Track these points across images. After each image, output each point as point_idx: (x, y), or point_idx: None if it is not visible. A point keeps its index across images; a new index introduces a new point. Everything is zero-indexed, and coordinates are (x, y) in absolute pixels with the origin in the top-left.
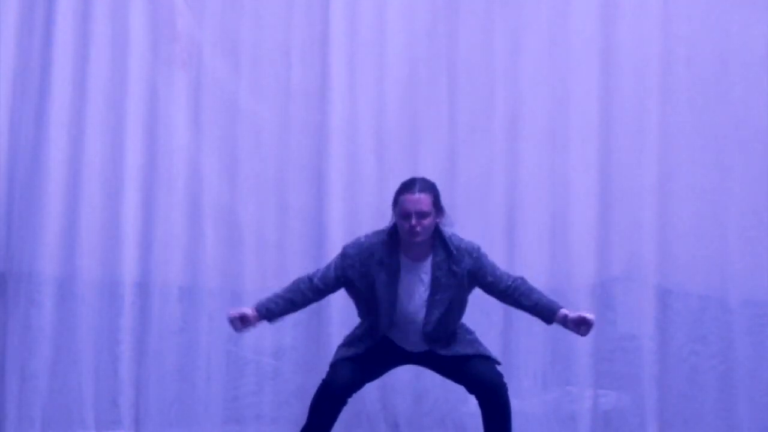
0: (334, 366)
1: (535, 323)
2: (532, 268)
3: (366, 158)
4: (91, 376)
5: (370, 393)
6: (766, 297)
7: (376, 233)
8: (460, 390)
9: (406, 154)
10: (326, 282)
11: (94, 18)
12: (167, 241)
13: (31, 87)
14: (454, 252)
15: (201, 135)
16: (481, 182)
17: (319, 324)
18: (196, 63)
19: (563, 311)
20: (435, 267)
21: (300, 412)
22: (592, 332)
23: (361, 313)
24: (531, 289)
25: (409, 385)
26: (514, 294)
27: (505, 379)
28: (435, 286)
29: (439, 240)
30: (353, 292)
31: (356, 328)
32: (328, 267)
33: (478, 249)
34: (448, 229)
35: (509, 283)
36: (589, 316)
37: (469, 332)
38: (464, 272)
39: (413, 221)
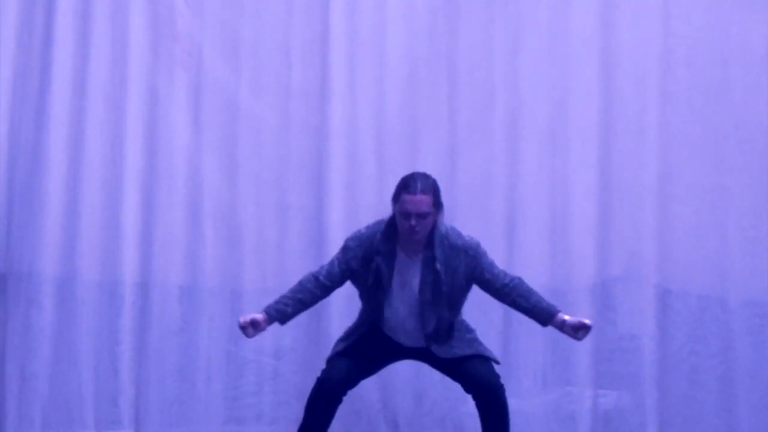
0: (329, 363)
1: (536, 323)
2: (532, 268)
3: (366, 158)
4: (91, 376)
5: (370, 393)
6: (766, 297)
7: (377, 223)
8: (459, 390)
9: (406, 154)
10: (332, 278)
11: (94, 18)
12: (167, 241)
13: (31, 87)
14: (449, 250)
15: (201, 135)
16: (481, 182)
17: (319, 324)
18: (196, 63)
19: (561, 315)
20: (429, 262)
21: (300, 412)
22: (592, 332)
23: (362, 303)
24: (529, 291)
25: (409, 385)
26: (511, 294)
27: (505, 380)
28: (428, 281)
29: (436, 235)
30: (357, 283)
31: (355, 320)
32: (331, 263)
33: (477, 246)
34: (447, 224)
35: (506, 281)
36: (588, 321)
37: (469, 331)
38: (459, 269)
39: (413, 222)
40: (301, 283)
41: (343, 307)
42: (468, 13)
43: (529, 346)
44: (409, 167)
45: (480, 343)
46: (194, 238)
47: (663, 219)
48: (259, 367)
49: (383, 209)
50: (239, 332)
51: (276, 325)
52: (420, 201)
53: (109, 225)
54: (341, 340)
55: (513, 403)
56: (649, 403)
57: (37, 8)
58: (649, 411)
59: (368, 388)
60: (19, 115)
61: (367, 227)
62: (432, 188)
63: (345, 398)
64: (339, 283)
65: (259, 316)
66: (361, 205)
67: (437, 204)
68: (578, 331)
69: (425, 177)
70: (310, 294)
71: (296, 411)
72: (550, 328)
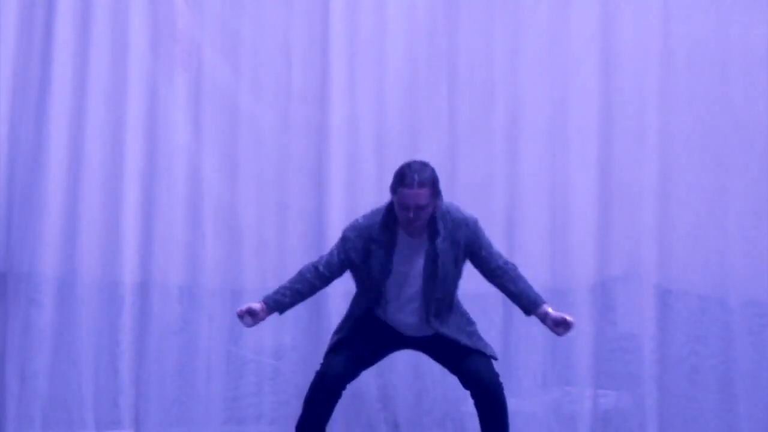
0: (327, 356)
1: (536, 323)
2: (532, 268)
3: (366, 158)
4: (91, 376)
5: (370, 393)
6: (766, 297)
7: (374, 213)
8: (460, 390)
9: (406, 154)
10: (331, 268)
11: (94, 18)
12: (167, 241)
13: (31, 87)
14: (450, 224)
15: (201, 135)
16: (481, 182)
17: (319, 324)
18: (196, 63)
19: (546, 307)
20: (432, 242)
21: (300, 412)
22: (592, 332)
23: (360, 292)
24: (519, 277)
25: (409, 385)
26: (502, 277)
27: (505, 379)
28: (432, 261)
29: (438, 215)
30: (356, 273)
31: (348, 310)
32: (330, 253)
33: (476, 221)
34: (446, 202)
35: (500, 263)
36: (570, 318)
37: (470, 323)
38: (461, 241)
39: (411, 214)
40: (300, 273)
41: (342, 306)
42: (468, 13)
43: (529, 346)
44: None
45: (479, 338)
46: (194, 238)
47: (663, 219)
48: (259, 367)
49: None
50: (239, 332)
51: (275, 326)
52: (417, 194)
53: (109, 225)
54: (336, 332)
55: (513, 403)
56: (649, 403)
57: (37, 8)
58: (649, 411)
59: (368, 388)
60: (19, 115)
61: (364, 217)
62: (430, 180)
63: (345, 399)
64: (338, 273)
65: (257, 306)
66: (361, 205)
67: (436, 193)
68: (559, 326)
69: (422, 168)
70: (308, 284)
71: (296, 411)
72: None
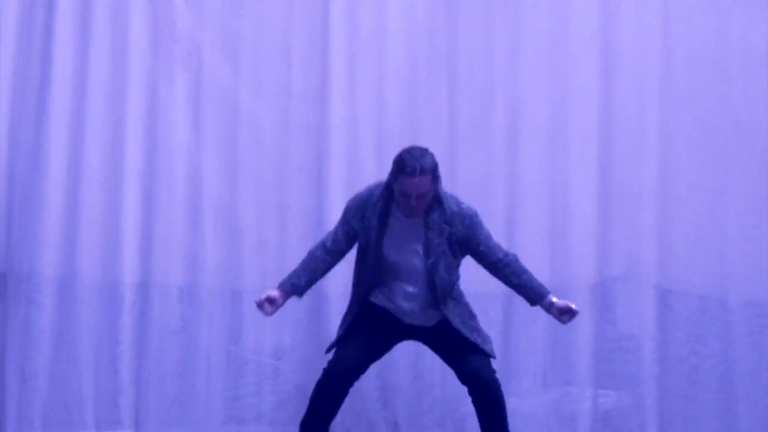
0: (335, 353)
1: (535, 323)
2: (532, 268)
3: (366, 158)
4: (91, 376)
5: (370, 393)
6: (766, 297)
7: (377, 185)
8: (460, 390)
9: None
10: (337, 241)
11: (94, 18)
12: (167, 241)
13: (31, 87)
14: (448, 214)
15: (201, 135)
16: (481, 182)
17: (319, 324)
18: (196, 63)
19: (551, 297)
20: (428, 225)
21: (300, 412)
22: (592, 332)
23: (359, 274)
24: (523, 269)
25: (409, 385)
26: (504, 269)
27: (505, 380)
28: (429, 245)
29: (435, 200)
30: (359, 245)
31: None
32: (335, 229)
33: (474, 215)
34: (446, 191)
35: (500, 256)
36: (574, 306)
37: (472, 317)
38: (455, 237)
39: (413, 202)
40: (310, 253)
41: (342, 306)
42: (468, 13)
43: (529, 346)
44: None
45: (480, 333)
46: (194, 238)
47: (663, 219)
48: (259, 367)
49: None
50: (239, 332)
51: (275, 326)
52: (419, 183)
53: (109, 225)
54: (340, 326)
55: (513, 403)
56: (649, 403)
57: (37, 8)
58: (649, 411)
59: (368, 388)
60: (19, 115)
61: (367, 188)
62: (430, 167)
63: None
64: (346, 245)
65: (275, 293)
66: None
67: (436, 179)
68: (564, 314)
69: (423, 155)
70: (322, 263)
71: (296, 411)
72: (550, 328)
